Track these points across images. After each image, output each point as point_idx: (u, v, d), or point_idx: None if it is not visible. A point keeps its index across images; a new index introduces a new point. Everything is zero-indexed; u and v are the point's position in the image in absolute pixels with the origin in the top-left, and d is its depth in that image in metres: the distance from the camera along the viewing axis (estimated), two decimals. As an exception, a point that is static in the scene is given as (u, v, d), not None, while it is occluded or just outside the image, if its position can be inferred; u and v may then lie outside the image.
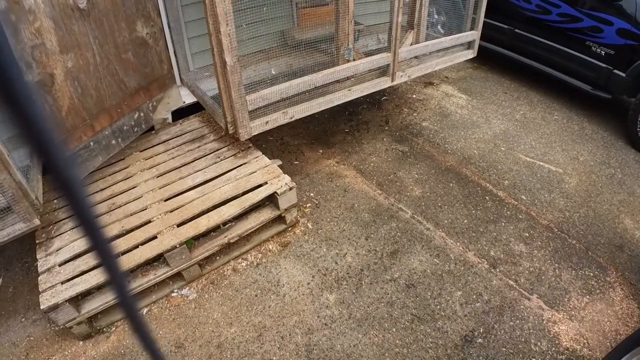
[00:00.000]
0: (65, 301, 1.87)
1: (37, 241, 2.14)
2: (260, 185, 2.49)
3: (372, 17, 4.02)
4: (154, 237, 2.16)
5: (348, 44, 2.82)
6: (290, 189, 2.46)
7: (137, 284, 2.12)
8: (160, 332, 2.09)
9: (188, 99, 3.12)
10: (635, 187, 3.14)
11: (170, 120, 3.05)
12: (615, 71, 3.58)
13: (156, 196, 2.41)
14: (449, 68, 4.79)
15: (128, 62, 2.59)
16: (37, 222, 2.00)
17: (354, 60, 2.89)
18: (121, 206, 2.35)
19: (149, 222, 2.25)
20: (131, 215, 2.29)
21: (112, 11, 2.40)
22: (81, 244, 2.10)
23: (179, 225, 2.22)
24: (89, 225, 0.35)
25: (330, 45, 2.96)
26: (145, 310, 2.20)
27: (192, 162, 2.68)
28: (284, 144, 3.52)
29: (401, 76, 3.17)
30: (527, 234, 2.69)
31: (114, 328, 2.12)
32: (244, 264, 2.44)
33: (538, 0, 4.05)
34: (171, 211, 2.30)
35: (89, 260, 2.03)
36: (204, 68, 3.25)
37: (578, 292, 2.33)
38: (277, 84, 2.56)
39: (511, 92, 4.44)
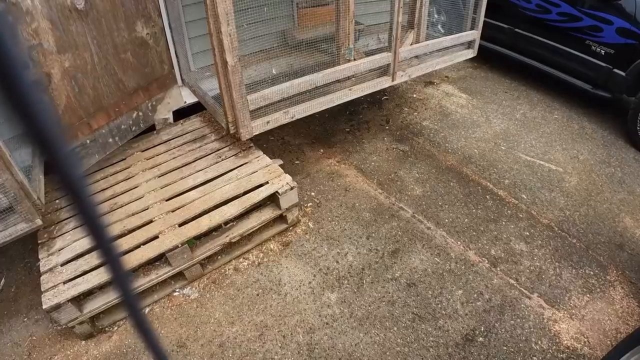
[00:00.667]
0: (68, 301, 1.88)
1: (39, 241, 2.15)
2: (261, 185, 2.49)
3: (372, 17, 4.02)
4: (156, 237, 2.17)
5: (349, 44, 2.83)
6: (292, 188, 2.47)
7: (139, 283, 2.13)
8: (162, 331, 2.09)
9: (189, 99, 3.13)
10: (635, 186, 3.14)
11: (171, 120, 3.05)
12: (615, 70, 3.58)
13: (157, 196, 2.41)
14: (449, 67, 4.79)
15: (127, 62, 2.59)
16: (39, 222, 2.01)
17: (354, 60, 2.89)
18: (123, 206, 2.36)
19: (151, 222, 2.25)
20: (133, 215, 2.30)
21: (111, 12, 2.41)
22: (83, 244, 2.11)
23: (180, 225, 2.23)
24: (93, 224, 0.35)
25: (330, 45, 2.97)
26: (147, 310, 2.20)
27: (193, 161, 2.68)
28: (285, 143, 3.52)
29: (402, 76, 3.17)
30: (528, 233, 2.70)
31: (116, 327, 2.12)
32: (245, 264, 2.45)
33: (538, 0, 4.05)
34: (173, 211, 2.31)
35: (91, 260, 2.04)
36: (205, 68, 3.25)
37: (578, 291, 2.34)
38: (278, 83, 2.57)
39: (511, 92, 4.45)
